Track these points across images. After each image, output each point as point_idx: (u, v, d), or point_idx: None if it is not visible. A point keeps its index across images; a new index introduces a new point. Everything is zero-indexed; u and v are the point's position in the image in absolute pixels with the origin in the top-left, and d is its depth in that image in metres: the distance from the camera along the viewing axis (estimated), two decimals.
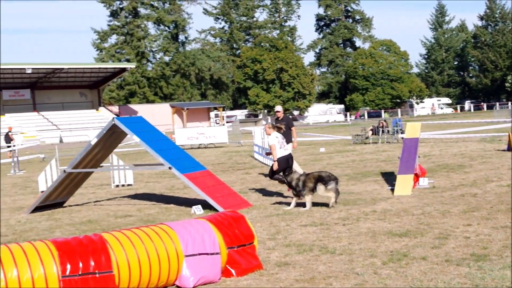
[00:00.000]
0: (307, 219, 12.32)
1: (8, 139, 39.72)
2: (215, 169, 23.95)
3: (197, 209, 14.15)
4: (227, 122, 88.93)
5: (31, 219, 14.83)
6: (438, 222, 11.28)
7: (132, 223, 13.21)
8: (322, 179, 13.71)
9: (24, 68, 77.56)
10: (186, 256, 7.97)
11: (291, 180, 13.99)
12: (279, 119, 18.63)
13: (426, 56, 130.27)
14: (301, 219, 12.36)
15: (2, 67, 77.27)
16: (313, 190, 13.71)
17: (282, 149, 14.96)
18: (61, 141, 70.40)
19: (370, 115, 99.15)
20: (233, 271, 8.40)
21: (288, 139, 17.98)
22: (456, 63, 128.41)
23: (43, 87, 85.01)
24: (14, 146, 36.62)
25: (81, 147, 46.41)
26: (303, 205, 13.72)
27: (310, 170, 22.19)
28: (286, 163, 14.86)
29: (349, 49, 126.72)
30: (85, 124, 79.99)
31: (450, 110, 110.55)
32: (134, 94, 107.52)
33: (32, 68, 78.08)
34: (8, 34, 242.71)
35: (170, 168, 14.52)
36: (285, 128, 17.17)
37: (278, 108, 18.91)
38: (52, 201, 16.12)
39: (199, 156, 31.39)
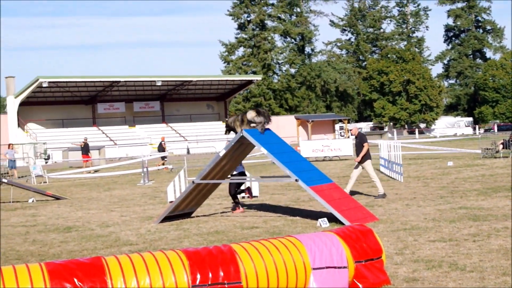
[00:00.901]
0: (436, 235, 12.07)
1: (162, 148, 42.67)
2: (340, 182, 23.82)
3: (323, 222, 14.11)
4: (352, 135, 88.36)
5: (160, 228, 15.19)
6: None
7: (259, 235, 13.31)
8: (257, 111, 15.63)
9: (155, 81, 79.69)
10: (314, 269, 7.95)
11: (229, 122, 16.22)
12: (355, 136, 20.02)
13: None
14: (429, 235, 12.13)
15: (133, 79, 79.77)
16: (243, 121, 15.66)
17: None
18: (188, 152, 71.85)
19: (500, 128, 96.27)
20: (360, 286, 8.32)
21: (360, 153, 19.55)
22: None
23: (171, 99, 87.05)
24: (147, 155, 37.88)
25: (207, 159, 47.18)
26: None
27: (438, 184, 21.78)
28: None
29: (479, 60, 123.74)
30: (212, 135, 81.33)
31: None
32: (259, 106, 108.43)
33: (162, 81, 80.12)
34: (141, 48, 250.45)
35: (296, 180, 14.55)
36: (358, 144, 19.57)
37: (354, 126, 20.72)
38: (181, 211, 16.44)
39: (324, 169, 31.34)
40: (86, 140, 43.73)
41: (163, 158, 42.48)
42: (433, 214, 14.80)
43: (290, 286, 7.82)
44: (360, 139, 19.60)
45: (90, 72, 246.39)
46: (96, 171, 41.41)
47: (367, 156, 19.38)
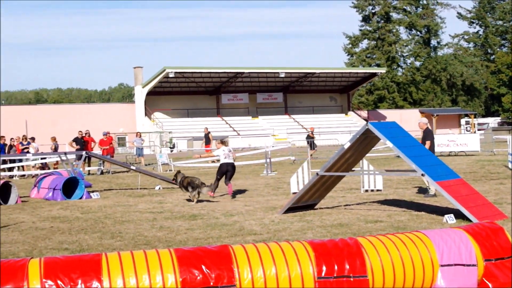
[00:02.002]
0: None
1: (310, 138, 44.65)
2: (467, 178, 23.25)
3: (450, 218, 13.82)
4: (478, 130, 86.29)
5: (283, 219, 15.25)
6: None
7: (383, 229, 13.17)
8: (191, 183, 19.01)
9: (278, 72, 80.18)
10: (442, 265, 7.79)
11: (176, 178, 19.73)
12: (422, 130, 19.72)
13: None
14: None
15: (257, 71, 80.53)
16: (187, 189, 19.07)
17: (226, 159, 20.49)
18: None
19: None
20: (489, 285, 8.08)
21: None
22: None
23: (294, 91, 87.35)
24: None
25: (329, 151, 47.10)
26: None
27: None
28: (226, 167, 20.42)
29: None
30: (334, 128, 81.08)
31: None
32: (383, 99, 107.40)
33: (286, 72, 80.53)
34: (265, 40, 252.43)
35: (422, 175, 14.30)
36: (422, 139, 19.34)
37: (420, 120, 20.23)
38: (304, 203, 16.47)
39: (450, 164, 30.63)
40: (207, 130, 44.27)
41: (312, 147, 43.46)
42: None
43: (416, 282, 7.69)
44: (425, 135, 19.42)
45: (215, 63, 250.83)
46: (218, 160, 41.92)
47: None
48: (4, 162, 33.66)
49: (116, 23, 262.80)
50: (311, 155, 41.45)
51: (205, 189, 19.05)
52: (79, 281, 6.70)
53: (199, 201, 19.13)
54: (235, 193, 21.79)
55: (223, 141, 21.39)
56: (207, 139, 42.98)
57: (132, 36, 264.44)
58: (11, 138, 35.94)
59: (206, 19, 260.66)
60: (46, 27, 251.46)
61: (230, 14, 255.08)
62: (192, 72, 77.56)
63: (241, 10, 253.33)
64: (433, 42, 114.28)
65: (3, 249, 12.38)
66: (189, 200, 19.40)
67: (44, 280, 6.66)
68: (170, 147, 66.51)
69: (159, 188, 24.17)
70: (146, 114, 76.75)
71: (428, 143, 19.13)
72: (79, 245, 12.59)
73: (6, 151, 34.11)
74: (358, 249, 7.52)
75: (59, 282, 6.67)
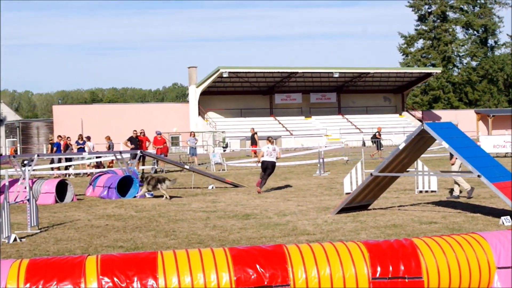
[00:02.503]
0: None
1: (376, 139, 45.36)
2: None
3: (506, 220, 13.61)
4: None
5: (337, 219, 15.19)
6: None
7: (437, 230, 13.03)
8: (159, 180, 20.61)
9: (332, 72, 79.88)
10: (499, 268, 7.68)
11: (144, 177, 21.15)
12: None
13: None
14: None
15: (311, 71, 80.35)
16: (155, 186, 20.64)
17: (267, 156, 21.98)
18: (363, 144, 71.51)
19: None
20: None
21: None
22: None
23: (348, 91, 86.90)
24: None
25: (383, 151, 46.76)
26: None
27: None
28: (266, 164, 21.90)
29: None
30: (388, 128, 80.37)
31: None
32: (438, 99, 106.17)
33: (340, 72, 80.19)
34: (319, 40, 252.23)
35: (479, 176, 14.09)
36: None
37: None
38: (358, 203, 16.37)
39: (506, 165, 30.16)
40: (253, 130, 44.15)
41: (379, 147, 43.71)
42: None
43: (472, 284, 7.59)
44: None
45: (268, 63, 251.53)
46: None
47: None
48: (60, 160, 34.19)
49: (171, 23, 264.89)
50: (373, 155, 41.91)
51: (168, 183, 20.71)
52: (135, 279, 6.78)
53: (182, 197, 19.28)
54: (285, 192, 21.79)
55: (269, 139, 23.02)
56: (253, 140, 42.94)
57: (187, 36, 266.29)
58: (67, 137, 36.40)
59: (261, 19, 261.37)
60: (101, 28, 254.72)
61: (284, 14, 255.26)
62: (246, 72, 77.75)
63: (296, 10, 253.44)
64: (490, 41, 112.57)
65: (60, 246, 12.59)
66: (160, 196, 20.91)
67: (101, 277, 6.76)
68: (223, 147, 66.73)
69: (212, 188, 24.28)
70: (199, 114, 77.19)
71: None
72: (134, 243, 12.72)
73: (62, 150, 34.60)
74: (413, 250, 7.46)
75: (115, 279, 6.76)
